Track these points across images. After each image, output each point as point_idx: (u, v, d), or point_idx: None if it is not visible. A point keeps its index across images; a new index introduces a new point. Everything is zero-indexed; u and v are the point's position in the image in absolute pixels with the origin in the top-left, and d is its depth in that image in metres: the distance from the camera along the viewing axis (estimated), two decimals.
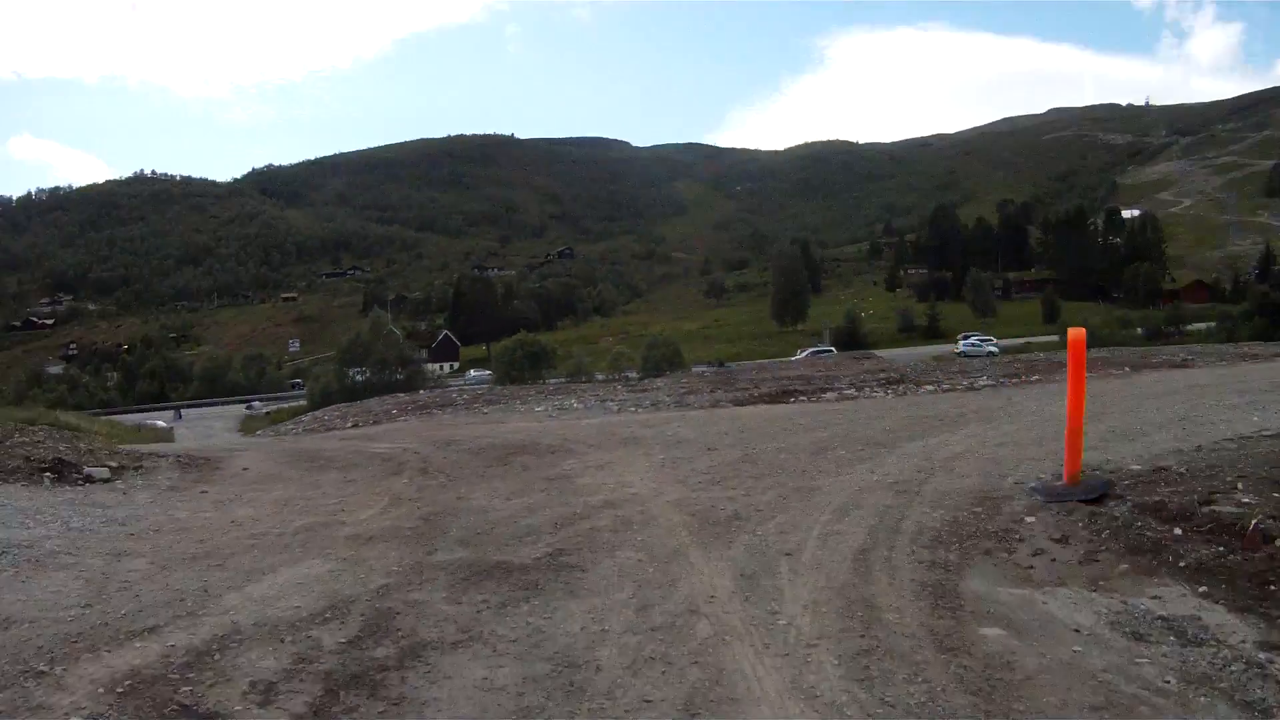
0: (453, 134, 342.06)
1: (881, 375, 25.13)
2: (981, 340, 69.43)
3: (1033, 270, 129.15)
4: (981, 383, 21.19)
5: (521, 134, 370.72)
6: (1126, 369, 22.38)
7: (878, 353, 65.34)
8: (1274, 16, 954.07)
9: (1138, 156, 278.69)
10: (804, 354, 66.29)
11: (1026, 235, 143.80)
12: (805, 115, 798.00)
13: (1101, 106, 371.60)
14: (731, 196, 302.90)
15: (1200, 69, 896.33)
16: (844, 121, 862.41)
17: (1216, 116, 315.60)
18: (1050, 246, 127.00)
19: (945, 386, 20.97)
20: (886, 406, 17.04)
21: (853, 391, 21.03)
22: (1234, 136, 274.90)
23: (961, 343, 68.86)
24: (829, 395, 20.67)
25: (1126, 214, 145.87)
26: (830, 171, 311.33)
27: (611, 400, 22.50)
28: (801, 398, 20.48)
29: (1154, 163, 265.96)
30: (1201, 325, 65.95)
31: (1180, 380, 18.79)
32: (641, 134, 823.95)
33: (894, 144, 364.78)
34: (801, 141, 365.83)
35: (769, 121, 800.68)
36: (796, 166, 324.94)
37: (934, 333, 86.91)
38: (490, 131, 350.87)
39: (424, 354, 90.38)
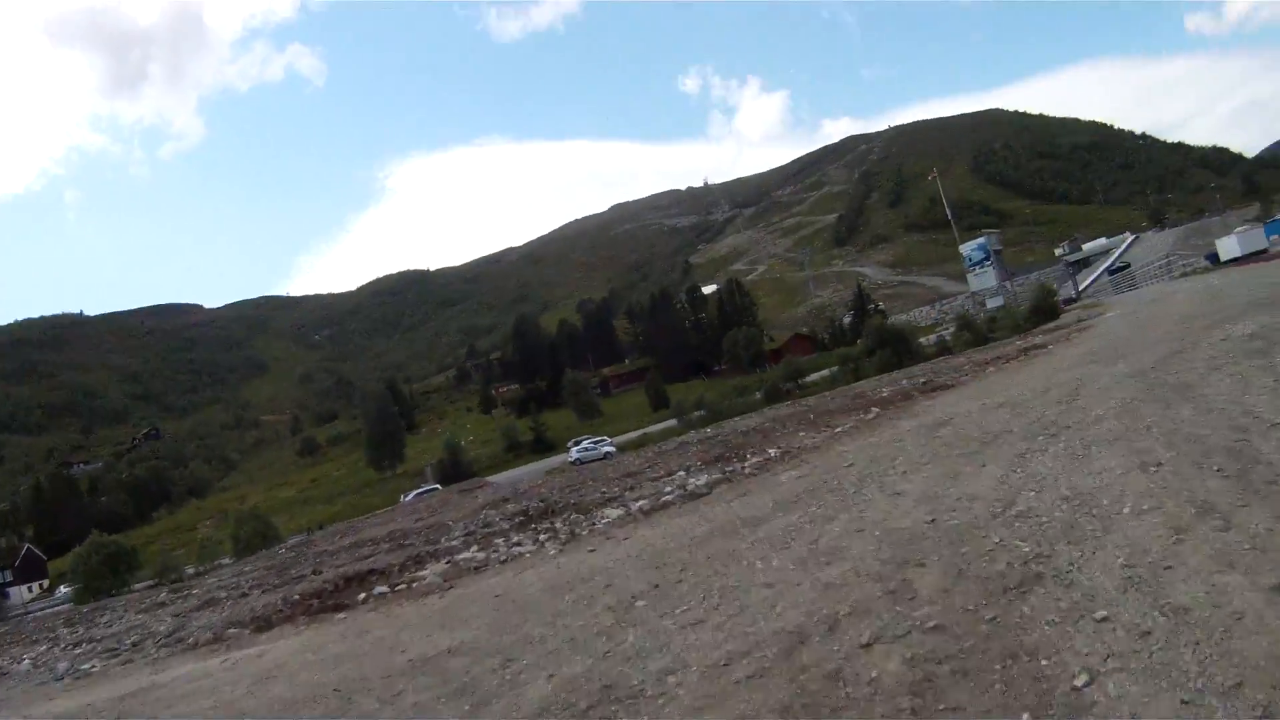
0: (19, 319, 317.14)
1: (510, 507, 21.54)
2: (595, 442, 71.42)
3: (627, 361, 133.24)
4: (696, 484, 17.15)
5: (91, 310, 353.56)
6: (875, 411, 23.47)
7: (492, 479, 63.65)
8: (815, 80, 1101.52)
9: (705, 234, 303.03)
10: (409, 497, 65.04)
11: (613, 329, 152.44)
12: (375, 250, 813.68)
13: (663, 194, 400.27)
14: (313, 346, 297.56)
15: (753, 141, 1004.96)
16: (415, 250, 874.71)
17: (775, 183, 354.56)
18: (640, 335, 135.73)
19: (641, 505, 16.25)
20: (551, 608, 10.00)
21: (474, 553, 16.01)
22: (795, 199, 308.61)
23: (574, 449, 70.16)
24: (430, 572, 15.22)
25: (707, 289, 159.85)
26: (406, 304, 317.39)
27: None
28: (380, 586, 14.94)
29: (722, 238, 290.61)
30: (825, 372, 72.13)
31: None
32: (214, 294, 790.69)
33: (466, 265, 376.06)
34: (374, 277, 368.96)
35: (340, 261, 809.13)
36: (373, 304, 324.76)
37: (543, 445, 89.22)
38: (59, 311, 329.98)
39: (7, 576, 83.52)
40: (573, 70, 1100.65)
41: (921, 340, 57.84)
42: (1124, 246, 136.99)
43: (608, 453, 61.14)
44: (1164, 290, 39.91)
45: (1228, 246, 77.39)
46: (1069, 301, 76.44)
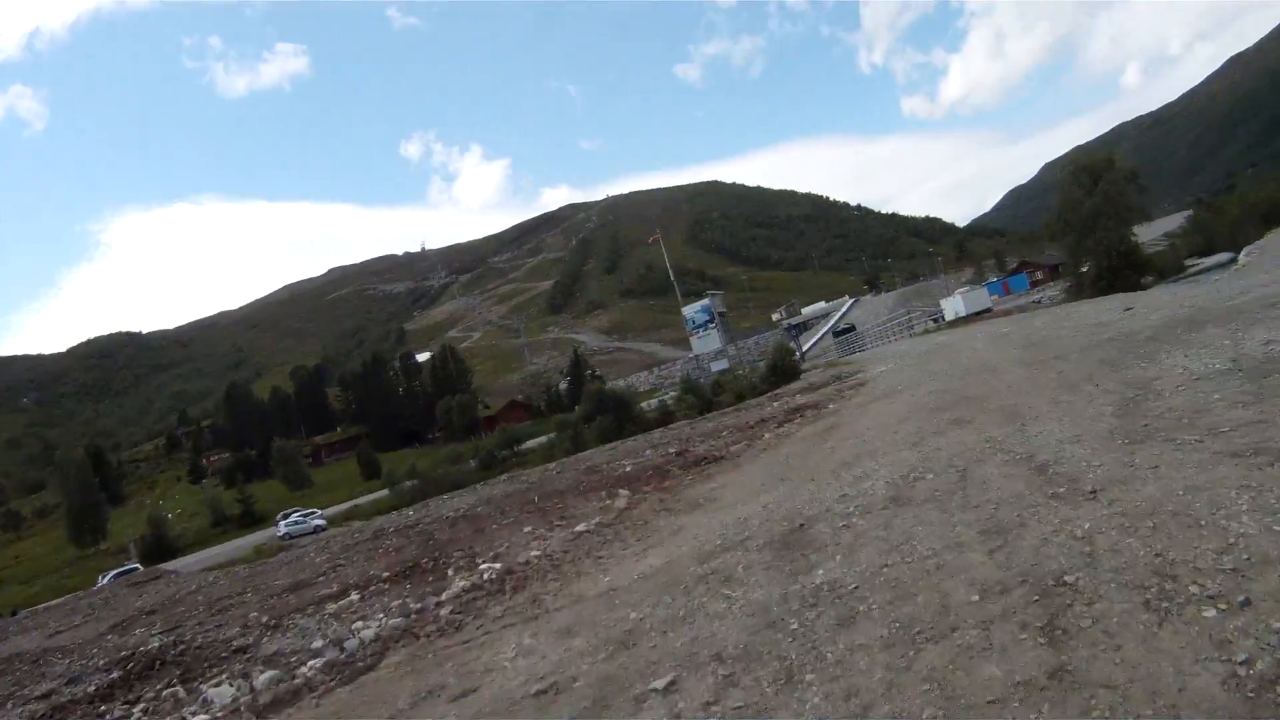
0: None
1: (130, 640, 15.89)
2: (304, 515, 69.49)
3: (339, 430, 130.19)
4: (363, 637, 10.49)
5: None
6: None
7: (171, 566, 56.32)
8: (537, 150, 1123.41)
9: (421, 301, 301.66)
10: (108, 579, 60.58)
11: (326, 397, 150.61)
12: (87, 308, 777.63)
13: (379, 259, 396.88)
14: (18, 410, 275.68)
15: (472, 208, 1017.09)
16: (128, 310, 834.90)
17: (492, 250, 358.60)
18: (352, 402, 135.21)
19: (262, 684, 9.68)
20: None
21: None
22: (511, 265, 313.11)
23: (282, 524, 67.40)
24: None
25: (422, 356, 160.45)
26: (117, 366, 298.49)
27: None
28: None
29: (438, 304, 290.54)
30: (542, 439, 72.36)
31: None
32: None
33: (180, 328, 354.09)
34: (85, 338, 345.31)
35: (50, 320, 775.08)
36: (82, 366, 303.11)
37: (251, 518, 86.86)
38: None
39: None
40: (297, 131, 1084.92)
41: (643, 405, 59.63)
42: (845, 309, 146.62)
43: (318, 526, 58.29)
44: (923, 344, 38.69)
45: (954, 306, 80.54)
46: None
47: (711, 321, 69.72)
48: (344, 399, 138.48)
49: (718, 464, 17.18)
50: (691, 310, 73.30)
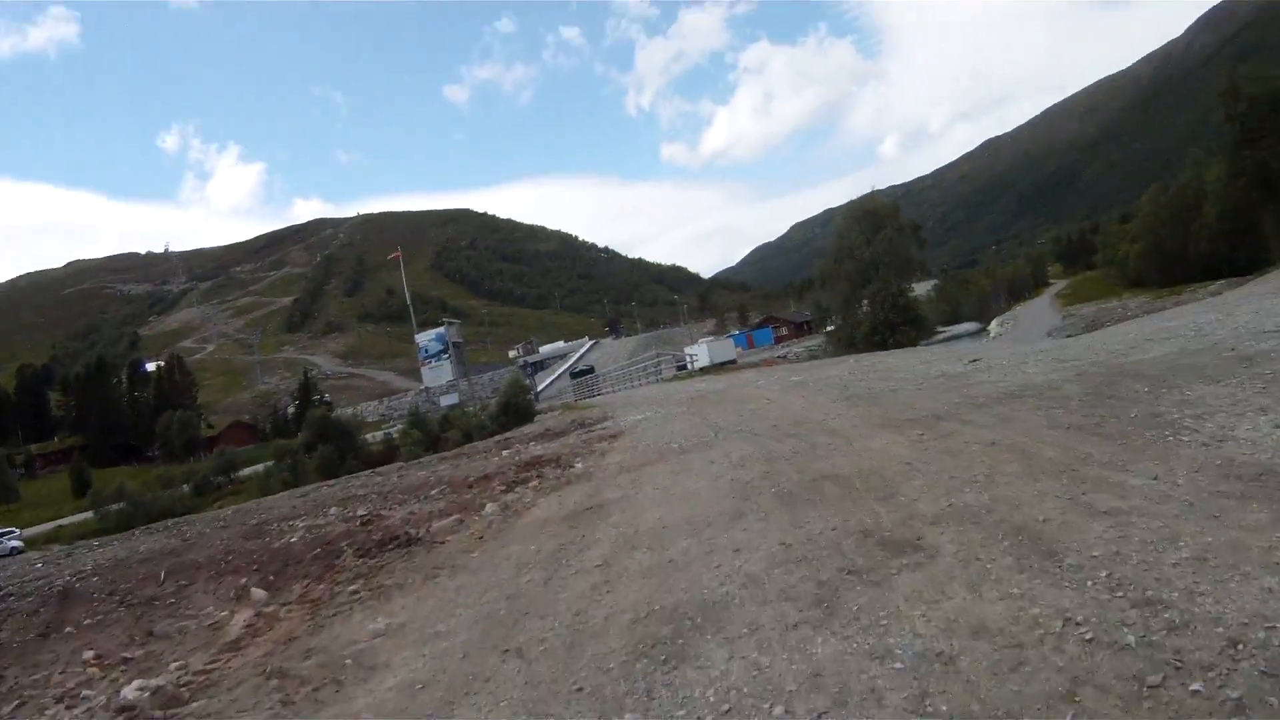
0: None
1: None
2: (2, 534, 63.09)
3: (57, 439, 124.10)
4: None
5: None
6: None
7: None
8: (294, 157, 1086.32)
9: (158, 306, 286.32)
10: None
11: (47, 401, 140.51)
12: None
13: (121, 256, 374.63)
14: None
15: (221, 211, 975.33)
16: None
17: (235, 259, 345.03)
18: (73, 409, 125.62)
19: None
20: None
21: None
22: (253, 277, 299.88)
23: None
24: None
25: (151, 365, 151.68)
26: None
27: None
28: None
29: (175, 310, 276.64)
30: (259, 467, 65.06)
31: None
32: None
33: None
34: None
35: None
36: None
37: None
38: None
39: None
40: (54, 104, 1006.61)
41: (368, 437, 55.84)
42: (584, 350, 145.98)
43: (14, 548, 55.68)
44: (680, 391, 31.09)
45: (701, 354, 75.58)
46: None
47: (446, 352, 66.22)
48: (64, 405, 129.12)
49: (408, 557, 10.52)
50: (425, 339, 69.59)
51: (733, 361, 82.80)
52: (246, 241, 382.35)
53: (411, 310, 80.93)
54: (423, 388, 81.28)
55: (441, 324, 73.24)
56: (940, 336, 60.94)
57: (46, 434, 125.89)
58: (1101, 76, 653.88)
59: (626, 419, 22.37)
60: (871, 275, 49.28)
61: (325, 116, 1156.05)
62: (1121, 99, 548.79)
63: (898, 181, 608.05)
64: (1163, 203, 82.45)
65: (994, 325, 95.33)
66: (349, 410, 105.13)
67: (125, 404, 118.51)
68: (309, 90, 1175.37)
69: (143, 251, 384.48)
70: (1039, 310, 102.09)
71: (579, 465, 14.83)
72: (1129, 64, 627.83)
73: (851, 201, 54.33)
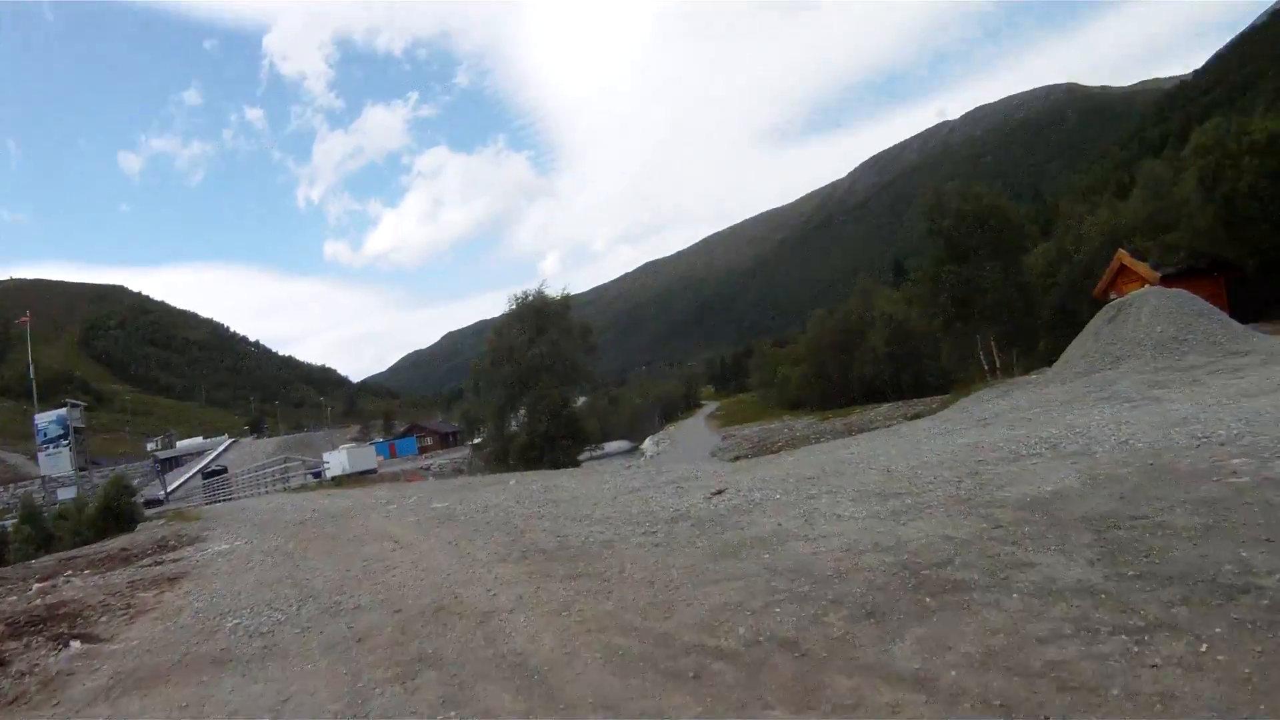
0: None
1: None
2: None
3: None
4: None
5: None
6: None
7: None
8: None
9: None
10: None
11: None
12: None
13: None
14: None
15: None
16: None
17: None
18: None
19: None
20: None
21: None
22: None
23: None
24: None
25: None
26: None
27: None
28: None
29: None
30: None
31: None
32: None
33: None
34: None
35: None
36: None
37: None
38: None
39: None
40: None
41: None
42: (221, 449, 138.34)
43: None
44: (296, 505, 27.24)
45: (338, 461, 73.87)
46: (154, 504, 68.46)
47: (65, 437, 60.76)
48: None
49: None
50: (44, 419, 61.25)
51: (373, 470, 77.09)
52: None
53: (34, 385, 73.59)
54: (40, 476, 68.79)
55: (64, 404, 66.24)
56: (594, 454, 54.74)
57: None
58: (765, 209, 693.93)
59: (211, 547, 17.42)
60: (532, 381, 44.81)
61: None
62: (782, 231, 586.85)
63: (556, 296, 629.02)
64: (829, 326, 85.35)
65: (649, 444, 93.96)
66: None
67: None
68: None
69: None
70: (695, 430, 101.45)
71: (103, 625, 9.80)
72: (792, 199, 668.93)
73: (517, 296, 48.28)
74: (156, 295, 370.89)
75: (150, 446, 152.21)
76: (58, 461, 63.09)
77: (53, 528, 37.45)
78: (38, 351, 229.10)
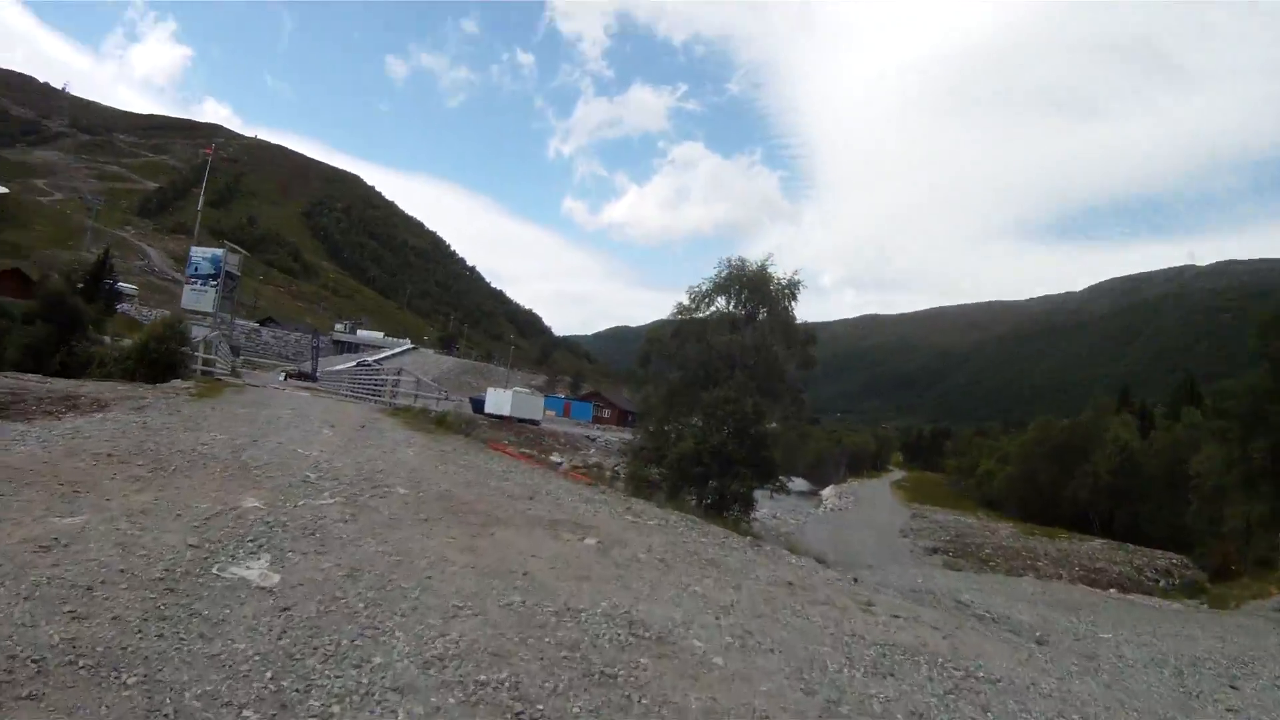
0: None
1: None
2: None
3: None
4: None
5: None
6: None
7: None
8: (224, 59, 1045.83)
9: (30, 136, 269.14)
10: None
11: None
12: None
13: (20, 75, 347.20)
14: None
15: (133, 79, 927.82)
16: None
17: (123, 126, 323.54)
18: None
19: None
20: None
21: None
22: (131, 151, 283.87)
23: None
24: None
25: None
26: None
27: None
28: None
29: (43, 147, 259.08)
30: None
31: None
32: None
33: None
34: None
35: None
36: None
37: None
38: None
39: None
40: None
41: (112, 339, 49.13)
42: (399, 350, 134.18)
43: None
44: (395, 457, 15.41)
45: (498, 400, 72.22)
46: (305, 376, 64.63)
47: (215, 278, 56.04)
48: None
49: None
50: (199, 254, 58.14)
51: (535, 422, 74.76)
52: (141, 114, 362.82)
53: (199, 219, 70.36)
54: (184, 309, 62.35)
55: (224, 245, 60.96)
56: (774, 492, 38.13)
57: None
58: (994, 299, 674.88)
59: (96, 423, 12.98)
60: (722, 375, 33.03)
61: (268, 34, 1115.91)
62: (1005, 325, 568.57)
63: (782, 277, 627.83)
64: (1052, 433, 77.30)
65: (829, 493, 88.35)
66: (127, 308, 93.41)
67: None
68: (263, 1, 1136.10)
69: (40, 79, 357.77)
70: (880, 494, 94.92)
71: None
72: (1023, 297, 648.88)
73: (730, 261, 35.44)
74: (388, 195, 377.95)
75: (339, 327, 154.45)
76: (200, 299, 57.32)
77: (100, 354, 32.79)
78: (263, 210, 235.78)
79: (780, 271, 35.38)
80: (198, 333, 53.10)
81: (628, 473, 36.93)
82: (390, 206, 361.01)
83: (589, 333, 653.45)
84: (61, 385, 18.56)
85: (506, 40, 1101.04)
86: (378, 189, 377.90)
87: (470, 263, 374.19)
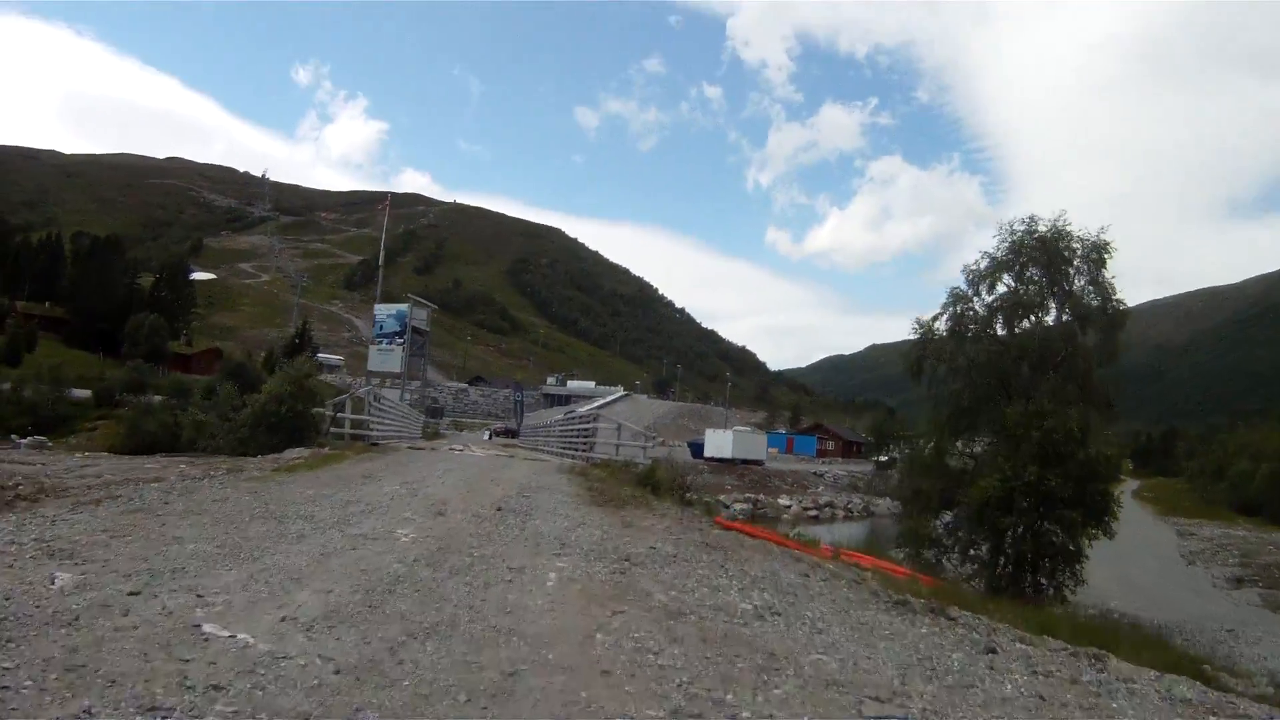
0: None
1: None
2: None
3: (47, 305, 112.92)
4: None
5: None
6: None
7: None
8: (415, 129, 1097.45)
9: (235, 224, 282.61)
10: None
11: (61, 270, 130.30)
12: None
13: (219, 167, 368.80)
14: None
15: (330, 158, 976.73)
16: None
17: (323, 205, 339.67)
18: (75, 280, 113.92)
19: None
20: None
21: None
22: (334, 227, 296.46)
23: None
24: None
25: (197, 275, 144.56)
26: None
27: None
28: None
29: (248, 233, 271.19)
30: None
31: None
32: None
33: None
34: None
35: None
36: None
37: None
38: None
39: None
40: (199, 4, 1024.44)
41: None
42: (612, 398, 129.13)
43: None
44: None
45: (718, 443, 69.52)
46: (508, 434, 62.16)
47: (401, 335, 52.44)
48: (70, 275, 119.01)
49: None
50: (383, 312, 54.72)
51: (760, 462, 71.90)
52: (340, 192, 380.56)
53: (380, 274, 67.67)
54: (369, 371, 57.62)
55: (407, 300, 57.01)
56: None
57: (47, 296, 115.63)
58: (1205, 285, 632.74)
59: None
60: (1027, 384, 25.64)
61: (457, 101, 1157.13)
62: (1223, 312, 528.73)
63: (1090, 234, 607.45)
64: None
65: None
66: (329, 377, 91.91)
67: (122, 288, 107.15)
68: (449, 70, 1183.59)
69: (240, 169, 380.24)
70: (1127, 508, 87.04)
71: None
72: (1237, 279, 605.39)
73: (1017, 224, 27.45)
74: (591, 245, 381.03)
75: (550, 380, 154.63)
76: (386, 359, 54.19)
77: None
78: (467, 273, 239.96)
79: (1080, 229, 27.05)
80: (387, 394, 48.16)
81: (904, 529, 28.70)
82: (594, 256, 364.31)
83: (804, 364, 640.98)
84: (114, 466, 14.38)
85: (692, 75, 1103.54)
86: (580, 240, 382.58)
87: (679, 304, 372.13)
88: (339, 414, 23.39)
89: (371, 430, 24.38)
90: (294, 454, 18.11)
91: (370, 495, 12.07)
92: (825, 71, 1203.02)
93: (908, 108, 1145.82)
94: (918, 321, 29.88)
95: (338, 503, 11.03)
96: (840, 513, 68.52)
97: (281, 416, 23.29)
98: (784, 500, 66.67)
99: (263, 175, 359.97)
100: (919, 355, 29.66)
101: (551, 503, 12.97)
